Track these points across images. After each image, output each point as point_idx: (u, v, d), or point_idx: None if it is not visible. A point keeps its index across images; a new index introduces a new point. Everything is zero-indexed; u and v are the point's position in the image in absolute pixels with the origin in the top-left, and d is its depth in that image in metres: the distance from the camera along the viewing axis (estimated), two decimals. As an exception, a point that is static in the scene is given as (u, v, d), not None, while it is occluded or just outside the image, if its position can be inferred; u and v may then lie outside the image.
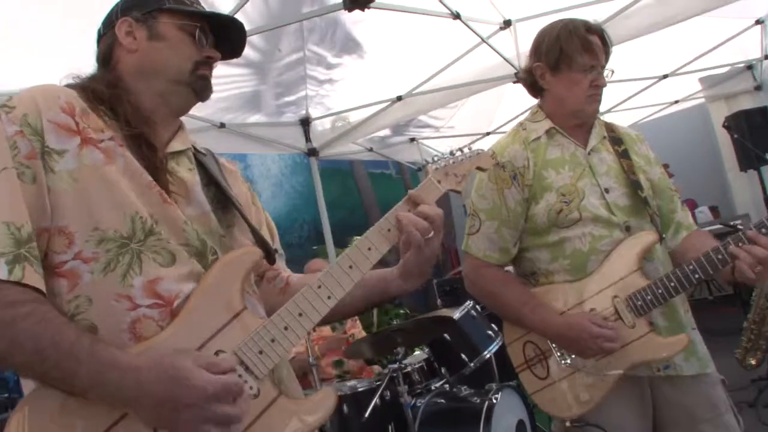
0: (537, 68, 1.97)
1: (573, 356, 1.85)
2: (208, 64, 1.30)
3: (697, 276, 1.77)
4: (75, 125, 1.13)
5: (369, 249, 1.29)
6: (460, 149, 1.52)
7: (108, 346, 1.03)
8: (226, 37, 1.36)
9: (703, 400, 1.85)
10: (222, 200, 1.32)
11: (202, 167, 1.33)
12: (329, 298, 1.23)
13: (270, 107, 4.54)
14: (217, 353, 1.12)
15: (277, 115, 4.68)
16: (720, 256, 1.73)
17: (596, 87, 1.92)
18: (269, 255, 1.36)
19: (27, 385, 1.10)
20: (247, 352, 1.14)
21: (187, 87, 1.28)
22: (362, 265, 1.28)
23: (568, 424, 1.85)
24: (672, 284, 1.78)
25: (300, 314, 1.21)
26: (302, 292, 1.22)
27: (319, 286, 1.23)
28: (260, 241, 1.34)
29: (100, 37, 1.31)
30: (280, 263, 1.52)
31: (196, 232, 1.20)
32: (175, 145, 1.29)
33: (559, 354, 1.87)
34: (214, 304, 1.15)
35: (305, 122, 4.85)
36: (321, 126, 4.99)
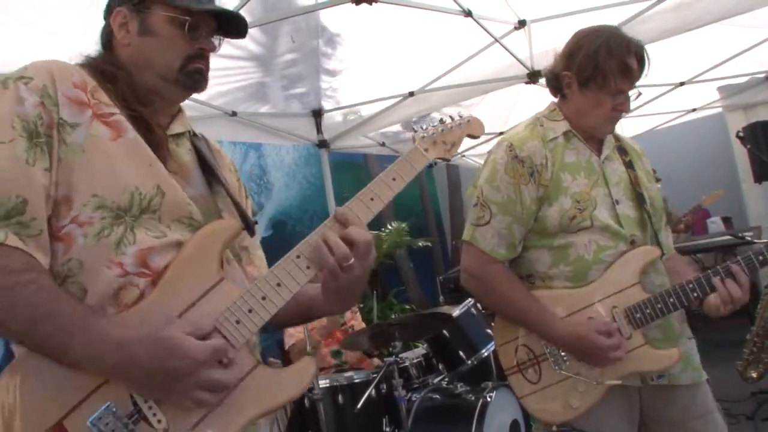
0: (565, 77, 1.92)
1: (567, 363, 1.84)
2: (202, 56, 1.29)
3: (695, 294, 1.79)
4: (87, 100, 1.16)
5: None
6: (450, 116, 1.45)
7: (100, 318, 1.07)
8: (228, 20, 1.34)
9: (695, 402, 1.88)
10: (214, 183, 1.35)
11: (197, 150, 1.36)
12: (308, 268, 1.22)
13: (282, 98, 4.57)
14: None
15: (289, 105, 4.70)
16: (719, 277, 1.78)
17: (618, 111, 1.88)
18: (249, 228, 1.36)
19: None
20: (224, 323, 1.15)
21: (175, 84, 1.28)
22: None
23: (554, 428, 1.85)
24: (671, 300, 1.79)
25: (278, 284, 1.19)
26: (281, 263, 1.22)
27: (298, 256, 1.22)
28: (243, 218, 1.35)
29: (105, 19, 1.33)
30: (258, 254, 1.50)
31: (198, 210, 1.23)
32: (175, 128, 1.33)
33: (553, 359, 1.86)
34: (192, 275, 1.17)
35: (317, 114, 4.87)
36: (333, 118, 5.00)
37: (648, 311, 1.79)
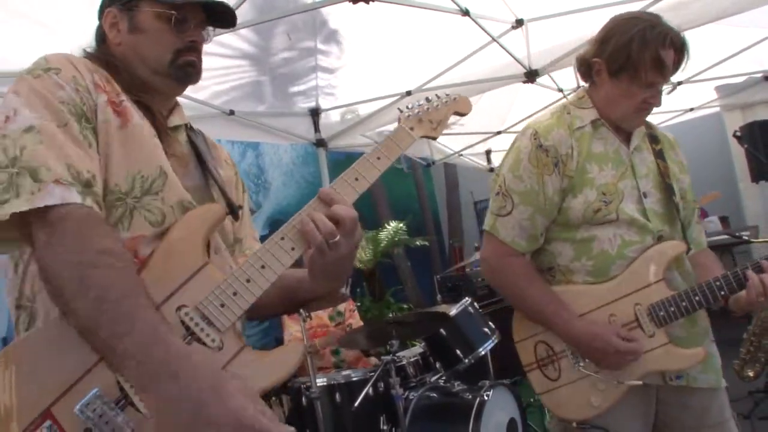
0: (595, 64, 1.83)
1: (587, 360, 1.80)
2: (193, 48, 1.30)
3: (722, 292, 1.73)
4: (103, 86, 1.19)
5: None
6: (436, 94, 1.44)
7: (170, 327, 1.04)
8: (216, 10, 1.35)
9: (711, 409, 1.83)
10: (208, 176, 1.36)
11: (193, 143, 1.37)
12: (293, 249, 1.21)
13: (280, 97, 4.58)
14: (179, 308, 1.12)
15: (286, 104, 4.71)
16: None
17: (648, 104, 1.81)
18: (233, 212, 1.35)
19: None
20: (209, 306, 1.13)
21: (167, 78, 1.30)
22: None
23: (574, 425, 1.83)
24: (697, 298, 1.73)
25: (262, 266, 1.18)
26: (265, 245, 1.21)
27: (282, 238, 1.21)
28: (229, 204, 1.35)
29: (99, 19, 1.35)
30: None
31: (195, 200, 1.24)
32: (174, 120, 1.35)
33: (572, 357, 1.82)
34: (176, 260, 1.16)
35: (315, 113, 4.87)
36: (330, 117, 5.00)
37: (672, 309, 1.74)
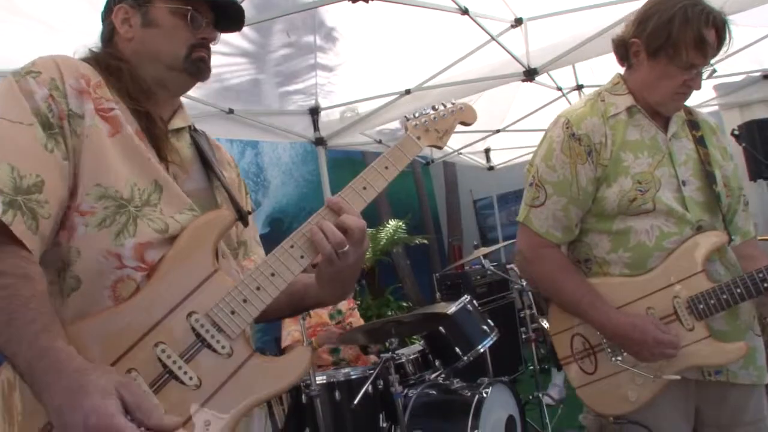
0: (633, 44, 1.77)
1: (624, 354, 1.76)
2: (204, 45, 1.32)
3: (766, 285, 1.66)
4: (90, 92, 1.18)
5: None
6: (443, 103, 1.45)
7: (56, 338, 0.99)
8: (225, 12, 1.37)
9: (748, 406, 1.79)
10: (212, 178, 1.36)
11: (197, 145, 1.37)
12: (302, 257, 1.23)
13: (279, 95, 4.57)
14: (190, 315, 1.14)
15: (286, 103, 4.71)
16: None
17: (688, 87, 1.74)
18: (242, 218, 1.36)
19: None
20: (219, 313, 1.15)
21: (182, 72, 1.31)
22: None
23: (611, 419, 1.80)
24: (738, 290, 1.67)
25: (272, 274, 1.20)
26: (274, 253, 1.22)
27: (292, 246, 1.23)
28: (237, 209, 1.36)
29: (103, 20, 1.35)
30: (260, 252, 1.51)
31: (198, 203, 1.25)
32: (177, 123, 1.34)
33: (609, 350, 1.79)
34: (186, 267, 1.17)
35: (314, 111, 4.88)
36: (330, 116, 5.01)
37: (712, 302, 1.68)
